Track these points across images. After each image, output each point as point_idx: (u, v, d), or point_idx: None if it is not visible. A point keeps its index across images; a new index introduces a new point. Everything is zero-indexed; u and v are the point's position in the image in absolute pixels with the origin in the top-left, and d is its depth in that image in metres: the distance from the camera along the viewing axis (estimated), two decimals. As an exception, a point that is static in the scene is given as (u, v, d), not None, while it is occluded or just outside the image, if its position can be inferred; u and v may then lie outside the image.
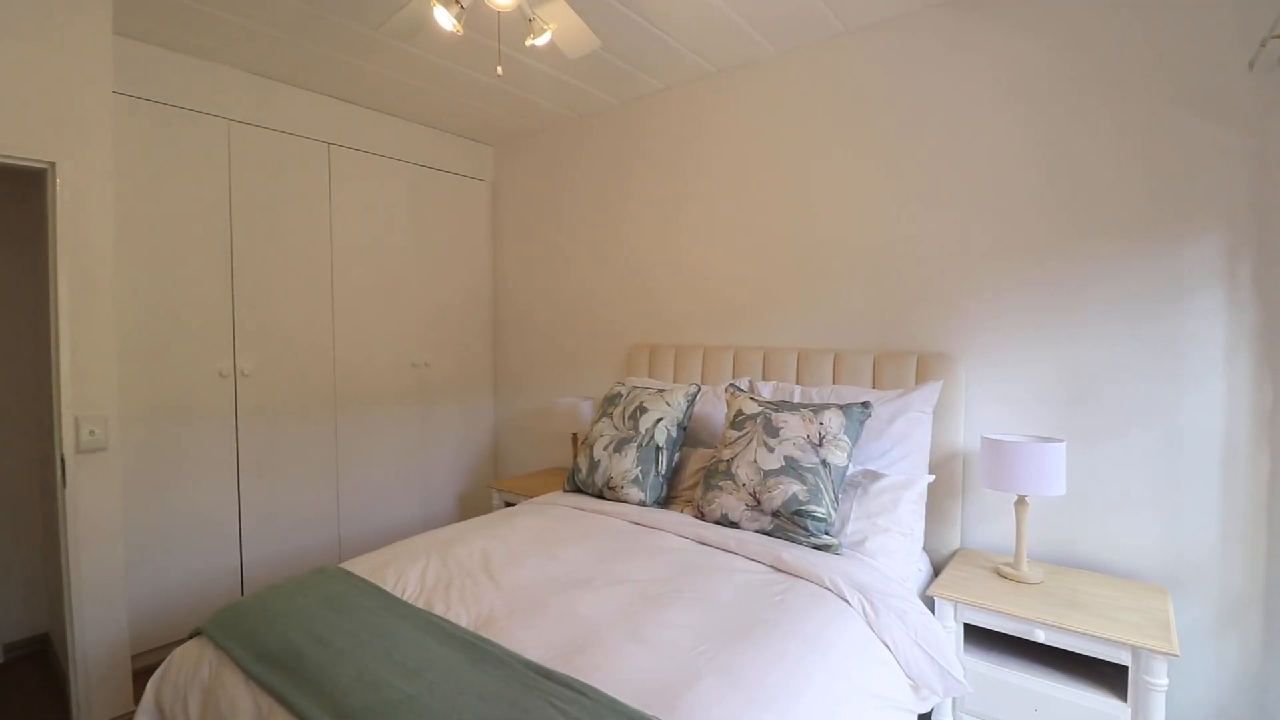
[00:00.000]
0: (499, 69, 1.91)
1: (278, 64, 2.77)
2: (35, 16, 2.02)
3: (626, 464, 2.38)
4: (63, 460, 2.09)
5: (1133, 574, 1.98)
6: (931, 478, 2.10)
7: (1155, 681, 1.56)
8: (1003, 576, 1.95)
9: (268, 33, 2.48)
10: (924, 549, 2.15)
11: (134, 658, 2.35)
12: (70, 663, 2.15)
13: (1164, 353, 1.93)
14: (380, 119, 3.38)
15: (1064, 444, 1.87)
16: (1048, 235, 2.10)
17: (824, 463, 1.95)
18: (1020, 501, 1.93)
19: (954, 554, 2.17)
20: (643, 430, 2.42)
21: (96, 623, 2.17)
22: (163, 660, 1.64)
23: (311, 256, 3.09)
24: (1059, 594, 1.83)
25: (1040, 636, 1.71)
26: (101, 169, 2.17)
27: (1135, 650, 1.59)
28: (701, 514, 2.17)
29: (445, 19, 1.72)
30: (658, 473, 2.37)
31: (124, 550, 2.27)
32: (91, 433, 2.13)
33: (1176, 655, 1.53)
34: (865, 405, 2.07)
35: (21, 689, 2.52)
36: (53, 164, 2.07)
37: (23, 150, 2.01)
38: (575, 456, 2.66)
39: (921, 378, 2.27)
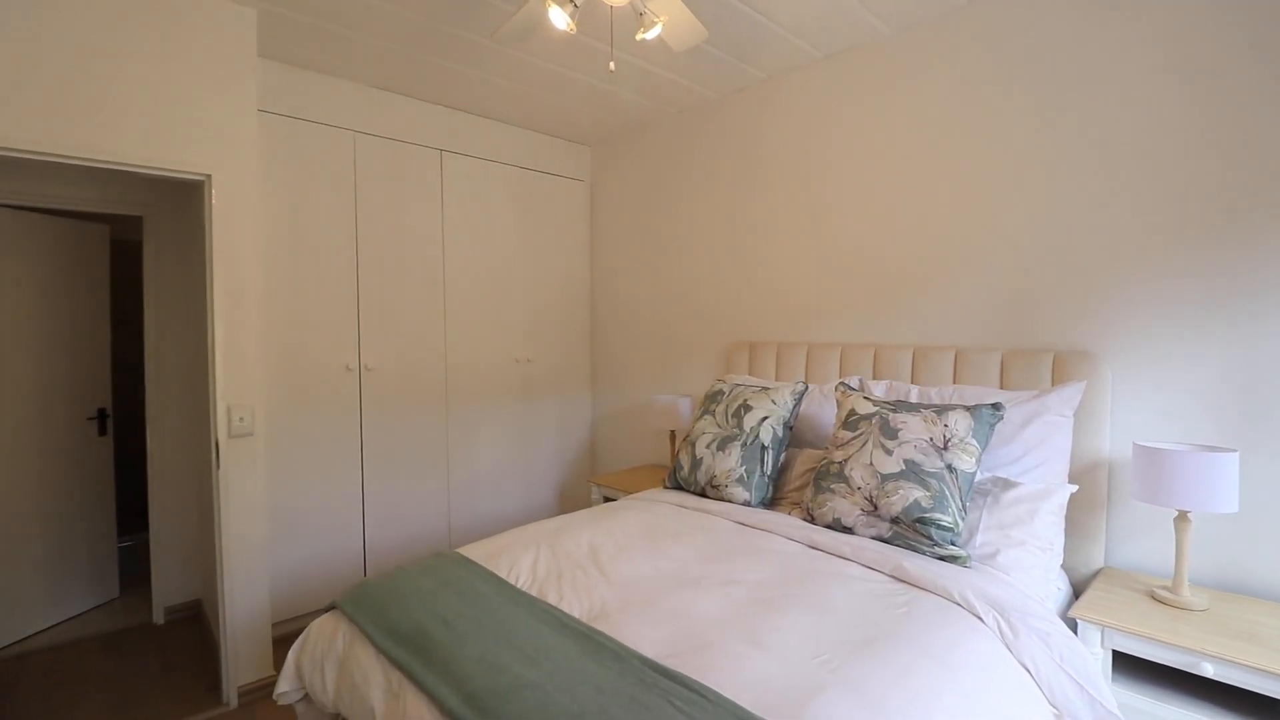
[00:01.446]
0: (611, 65, 1.92)
1: (397, 77, 2.93)
2: (195, 46, 2.24)
3: (730, 463, 2.33)
4: (217, 444, 2.31)
5: (1324, 607, 1.71)
6: (1074, 488, 1.91)
7: (1363, 734, 1.34)
8: (1158, 601, 1.74)
9: (389, 47, 2.63)
10: (1062, 566, 1.96)
11: (272, 626, 2.56)
12: (220, 627, 2.37)
13: (1369, 351, 1.65)
14: (486, 125, 3.50)
15: (1237, 454, 1.65)
16: (1212, 218, 1.85)
17: (949, 468, 1.82)
18: (1181, 518, 1.72)
19: (1097, 573, 1.97)
20: (747, 429, 2.36)
21: (243, 592, 2.39)
22: (296, 630, 1.78)
23: (426, 257, 3.25)
24: (1229, 624, 1.61)
25: (1209, 671, 1.51)
26: (248, 180, 2.38)
27: (1334, 695, 1.37)
28: (811, 517, 2.09)
29: (560, 18, 1.75)
30: (763, 473, 2.30)
31: (266, 527, 2.48)
32: (240, 419, 2.35)
33: (1393, 705, 1.30)
34: (996, 407, 1.91)
35: (180, 647, 2.82)
36: (209, 176, 2.29)
37: (186, 165, 2.24)
38: (676, 454, 2.64)
39: (1058, 378, 2.07)
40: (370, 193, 3.04)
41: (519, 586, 1.74)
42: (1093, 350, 2.07)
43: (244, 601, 2.39)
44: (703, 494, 2.44)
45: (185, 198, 3.01)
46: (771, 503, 2.35)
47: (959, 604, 1.56)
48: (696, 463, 2.45)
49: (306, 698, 1.75)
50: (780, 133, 3.00)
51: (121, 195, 2.99)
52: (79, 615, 3.10)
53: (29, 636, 2.87)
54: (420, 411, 3.25)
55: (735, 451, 2.34)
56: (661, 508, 2.34)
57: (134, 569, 3.59)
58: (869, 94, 2.65)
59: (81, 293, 3.14)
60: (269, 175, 2.69)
